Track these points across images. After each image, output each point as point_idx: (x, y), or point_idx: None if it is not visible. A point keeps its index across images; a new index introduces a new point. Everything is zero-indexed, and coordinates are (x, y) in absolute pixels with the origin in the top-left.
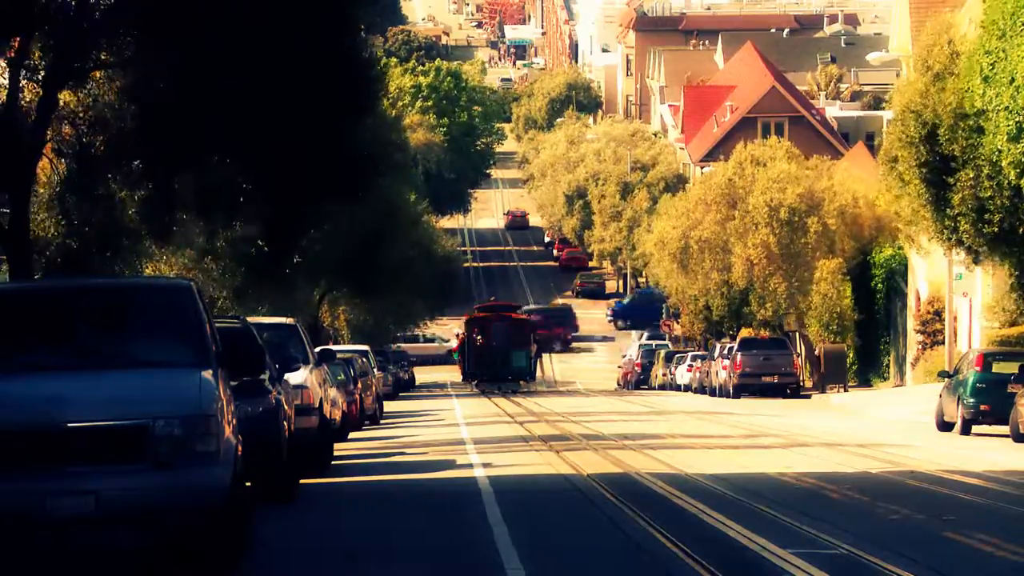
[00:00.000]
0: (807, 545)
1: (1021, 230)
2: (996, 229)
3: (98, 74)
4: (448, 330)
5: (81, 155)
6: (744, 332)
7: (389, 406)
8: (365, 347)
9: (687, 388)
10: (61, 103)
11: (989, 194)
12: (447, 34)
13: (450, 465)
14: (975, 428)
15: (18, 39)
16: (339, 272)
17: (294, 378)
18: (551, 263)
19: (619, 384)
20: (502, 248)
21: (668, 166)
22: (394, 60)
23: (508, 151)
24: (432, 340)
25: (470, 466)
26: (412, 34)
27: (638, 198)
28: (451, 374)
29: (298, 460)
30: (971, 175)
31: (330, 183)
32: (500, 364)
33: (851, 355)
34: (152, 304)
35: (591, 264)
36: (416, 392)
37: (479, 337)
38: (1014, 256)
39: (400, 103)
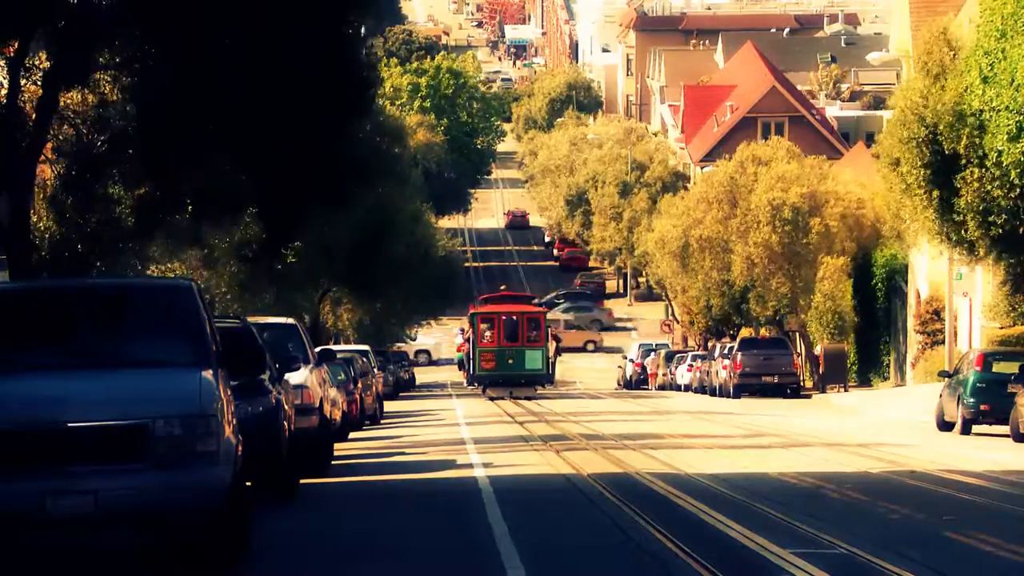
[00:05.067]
0: (807, 545)
1: (1022, 230)
2: (1001, 230)
3: (99, 74)
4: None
5: (81, 155)
6: (744, 332)
7: (389, 406)
8: (365, 347)
9: (687, 388)
10: (61, 103)
11: (996, 194)
12: (447, 34)
13: (450, 465)
14: (975, 428)
15: (18, 38)
16: (338, 272)
17: (294, 378)
18: (551, 263)
19: (619, 384)
20: (502, 248)
21: (665, 165)
22: (394, 60)
23: (508, 151)
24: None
25: (470, 466)
26: (412, 34)
27: (637, 198)
28: (436, 376)
29: (298, 460)
30: (977, 175)
31: (319, 186)
32: (511, 366)
33: (851, 355)
34: (152, 304)
35: (591, 264)
36: (416, 392)
37: (486, 333)
38: (1012, 255)
39: (399, 102)
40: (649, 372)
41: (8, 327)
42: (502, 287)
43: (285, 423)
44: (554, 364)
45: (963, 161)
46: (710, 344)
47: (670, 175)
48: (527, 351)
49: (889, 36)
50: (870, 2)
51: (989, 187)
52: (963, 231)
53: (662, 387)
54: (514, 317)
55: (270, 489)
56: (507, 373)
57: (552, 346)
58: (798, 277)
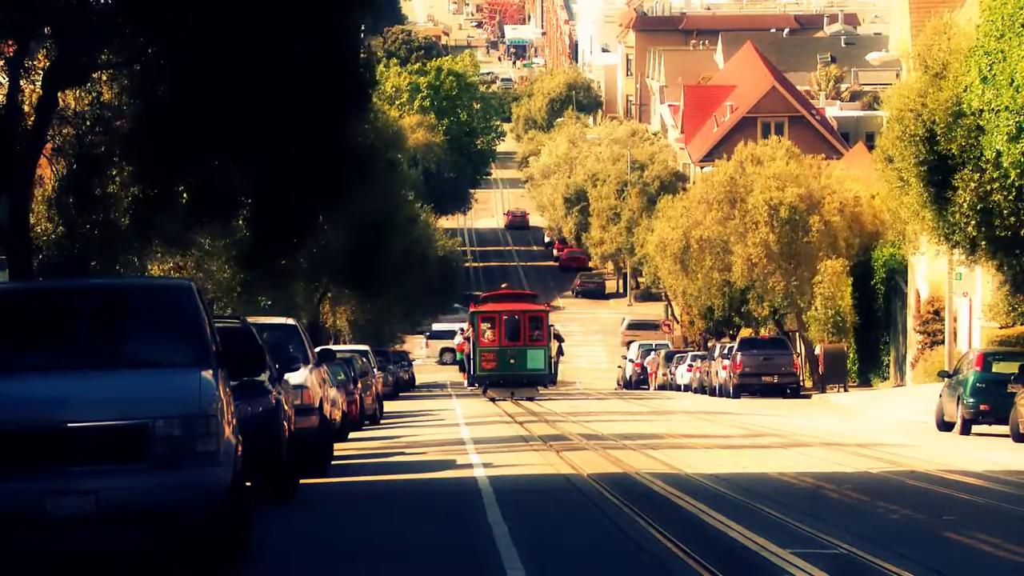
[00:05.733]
0: (807, 545)
1: (1023, 231)
2: (1008, 233)
3: (98, 74)
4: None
5: (81, 155)
6: (744, 332)
7: (389, 406)
8: (365, 347)
9: (687, 388)
10: (61, 103)
11: (996, 196)
12: (447, 34)
13: (450, 465)
14: (975, 428)
15: (17, 38)
16: (338, 272)
17: (294, 378)
18: (551, 263)
19: (619, 384)
20: (502, 248)
21: (664, 165)
22: (394, 60)
23: (508, 151)
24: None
25: (470, 466)
26: (412, 34)
27: (633, 197)
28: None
29: (298, 460)
30: (977, 176)
31: (317, 186)
32: (513, 366)
33: (851, 355)
34: (152, 304)
35: (591, 264)
36: (416, 392)
37: (487, 333)
38: (1012, 255)
39: (398, 102)
40: (649, 372)
41: (8, 327)
42: (503, 285)
43: (285, 423)
44: (556, 364)
45: (959, 161)
46: (710, 344)
47: (669, 175)
48: (529, 351)
49: (889, 36)
50: (870, 2)
51: (988, 188)
52: (962, 231)
53: (662, 387)
54: (516, 316)
55: (270, 489)
56: (508, 373)
57: (554, 345)
58: (795, 277)
